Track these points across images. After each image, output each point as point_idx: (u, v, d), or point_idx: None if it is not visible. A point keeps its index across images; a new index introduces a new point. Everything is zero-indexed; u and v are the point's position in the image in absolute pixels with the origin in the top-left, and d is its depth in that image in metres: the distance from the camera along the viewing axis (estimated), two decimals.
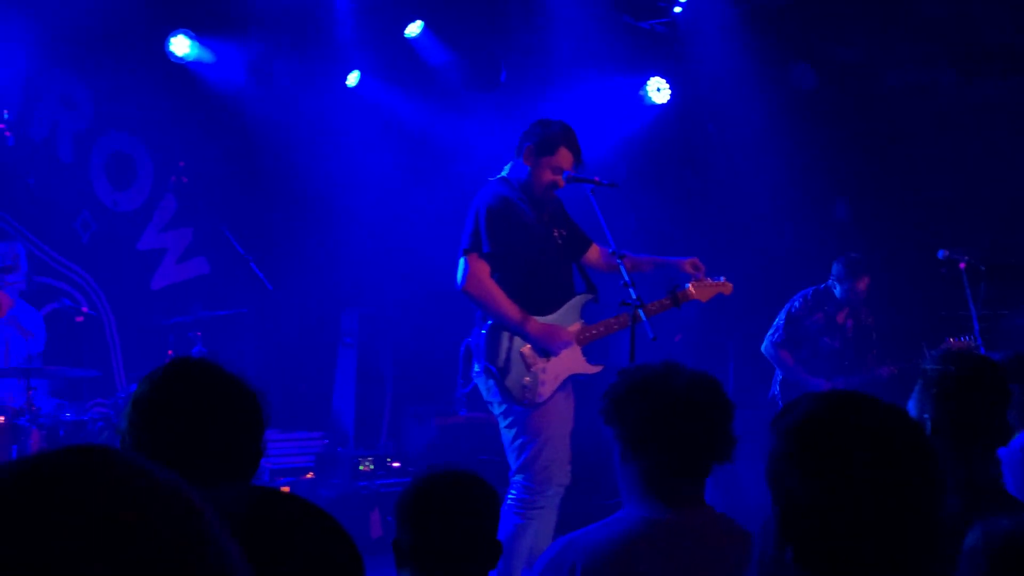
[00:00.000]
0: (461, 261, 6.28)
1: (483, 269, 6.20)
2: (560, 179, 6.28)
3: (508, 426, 6.34)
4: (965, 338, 8.27)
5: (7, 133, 7.82)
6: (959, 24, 9.64)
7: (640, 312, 5.87)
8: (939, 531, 1.98)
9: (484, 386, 6.41)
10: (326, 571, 1.46)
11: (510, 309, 6.20)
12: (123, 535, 0.91)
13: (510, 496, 6.22)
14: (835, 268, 8.79)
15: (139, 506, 0.93)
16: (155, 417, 2.59)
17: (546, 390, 6.22)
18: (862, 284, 8.68)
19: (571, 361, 6.33)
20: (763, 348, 8.80)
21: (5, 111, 7.81)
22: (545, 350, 6.27)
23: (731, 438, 3.30)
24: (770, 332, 8.80)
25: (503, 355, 6.26)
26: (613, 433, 3.37)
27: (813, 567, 1.94)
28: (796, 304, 8.79)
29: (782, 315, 8.82)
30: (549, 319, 6.33)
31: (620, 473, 3.39)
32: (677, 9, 9.52)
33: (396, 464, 9.44)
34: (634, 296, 5.89)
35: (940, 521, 1.97)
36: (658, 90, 10.35)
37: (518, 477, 6.21)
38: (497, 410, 6.40)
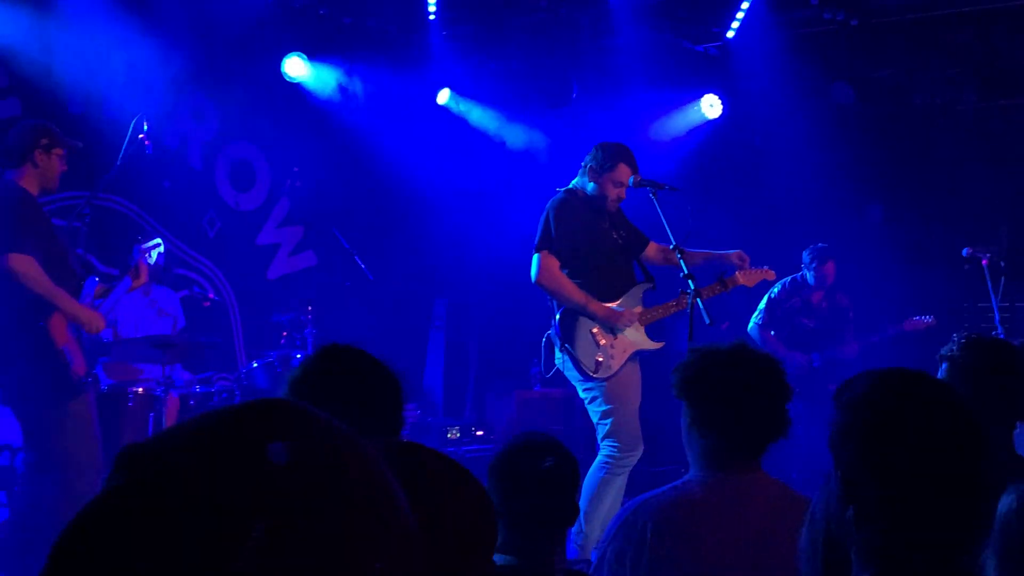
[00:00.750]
0: (535, 257, 6.45)
1: (553, 263, 6.38)
2: (621, 191, 6.50)
3: (591, 400, 6.47)
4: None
5: (146, 142, 7.68)
6: (981, 49, 9.60)
7: (698, 300, 6.00)
8: (986, 496, 1.93)
9: (565, 369, 6.57)
10: (469, 511, 1.44)
11: (577, 295, 6.37)
12: (336, 457, 0.91)
13: (600, 457, 6.36)
14: (804, 256, 8.89)
15: (342, 434, 0.94)
16: (311, 396, 2.60)
17: (615, 363, 6.39)
18: (828, 268, 8.77)
19: (635, 338, 6.51)
20: (748, 329, 8.89)
21: (145, 123, 7.71)
22: (611, 328, 6.43)
23: (788, 419, 3.24)
24: (754, 315, 8.93)
25: (576, 335, 6.42)
26: (683, 406, 3.35)
27: (871, 526, 1.88)
28: (776, 291, 8.87)
29: (764, 301, 8.93)
30: (613, 305, 6.49)
31: (687, 441, 3.35)
32: (730, 34, 9.43)
33: (480, 432, 9.60)
34: (691, 284, 6.03)
35: (987, 487, 1.91)
36: (711, 106, 10.30)
37: (606, 441, 6.32)
38: (581, 390, 6.54)
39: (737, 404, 3.16)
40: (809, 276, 8.74)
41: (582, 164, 6.66)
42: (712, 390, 3.20)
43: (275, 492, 0.85)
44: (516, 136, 10.72)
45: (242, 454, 0.86)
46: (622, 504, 6.17)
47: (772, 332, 8.80)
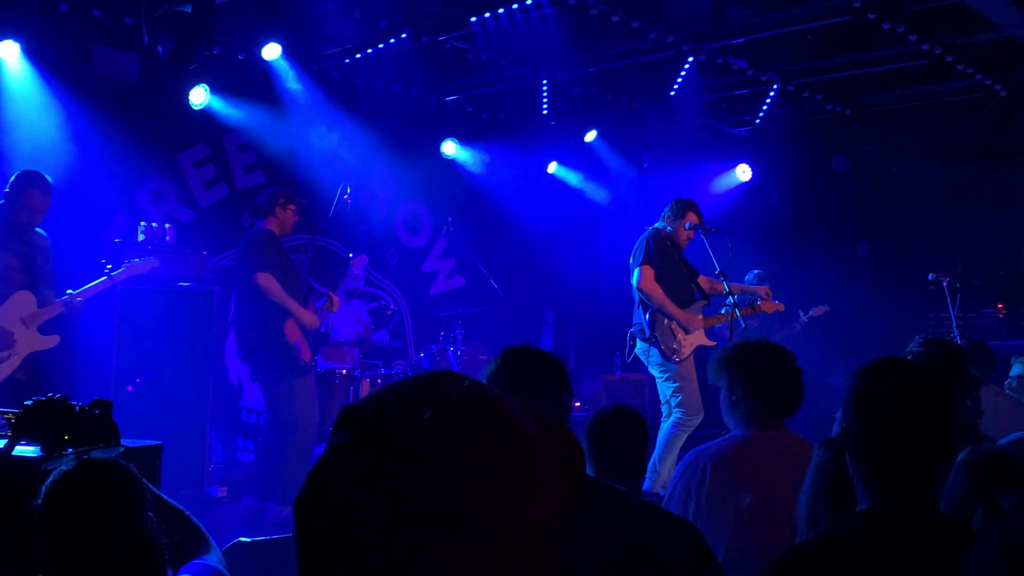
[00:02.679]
0: (636, 271, 6.44)
1: (650, 274, 6.42)
2: (690, 233, 6.57)
3: (667, 379, 6.45)
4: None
5: (349, 200, 7.93)
6: (942, 129, 9.59)
7: (737, 312, 6.31)
8: (945, 440, 1.86)
9: (647, 354, 6.54)
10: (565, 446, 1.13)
11: (665, 300, 6.41)
12: (491, 405, 0.86)
13: (672, 419, 6.33)
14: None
15: (490, 393, 0.88)
16: (503, 384, 2.35)
17: (685, 352, 6.45)
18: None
19: (698, 337, 6.55)
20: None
21: (348, 188, 7.90)
22: (684, 328, 6.47)
23: (803, 392, 3.23)
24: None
25: (661, 329, 6.44)
26: (725, 382, 3.30)
27: (863, 464, 1.85)
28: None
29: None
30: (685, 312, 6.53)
31: (728, 409, 3.29)
32: (757, 121, 9.39)
33: (577, 404, 9.27)
34: (734, 303, 6.33)
35: (944, 432, 1.85)
36: (743, 172, 10.38)
37: (677, 409, 6.34)
38: (657, 371, 6.50)
39: (769, 377, 3.21)
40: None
41: (663, 213, 6.67)
42: (752, 365, 3.22)
43: (428, 431, 0.81)
44: (603, 194, 10.71)
45: (411, 408, 0.83)
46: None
47: None
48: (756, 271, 8.71)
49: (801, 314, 8.66)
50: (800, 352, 3.47)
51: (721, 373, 3.31)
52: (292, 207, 6.33)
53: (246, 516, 6.08)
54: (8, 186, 5.33)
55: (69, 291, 5.48)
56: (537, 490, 0.84)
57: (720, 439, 3.30)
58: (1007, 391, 5.52)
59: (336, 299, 6.92)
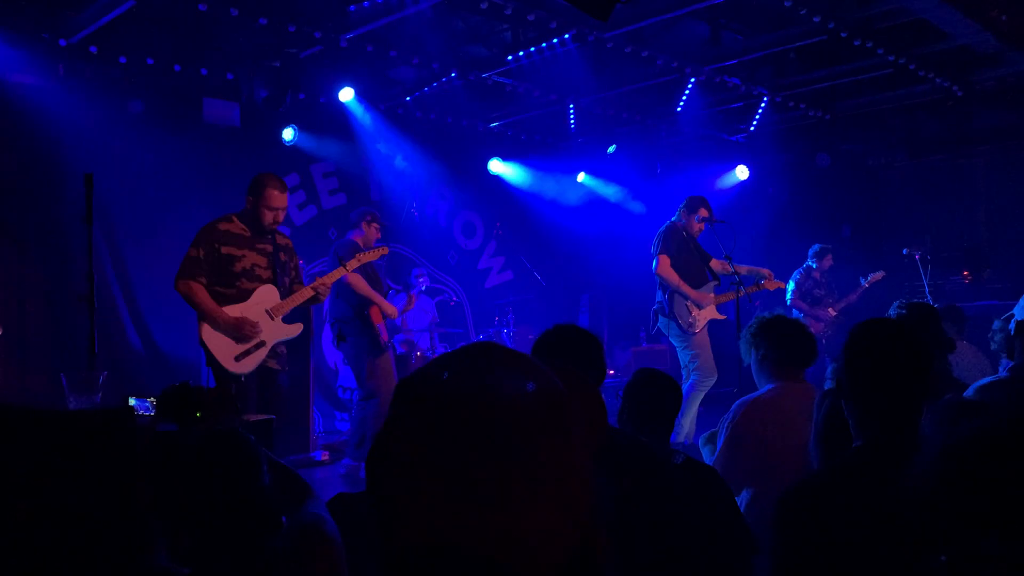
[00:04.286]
0: (655, 259, 6.36)
1: (667, 262, 6.33)
2: (701, 225, 6.47)
3: (685, 347, 6.35)
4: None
5: (416, 213, 8.21)
6: (908, 127, 9.55)
7: (743, 289, 6.17)
8: (923, 381, 1.81)
9: (667, 328, 6.43)
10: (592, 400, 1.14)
11: (680, 283, 6.32)
12: (528, 368, 0.82)
13: (691, 380, 6.25)
14: (809, 252, 8.19)
15: (524, 358, 0.84)
16: (549, 353, 2.35)
17: (699, 325, 6.34)
18: (827, 260, 8.14)
19: (710, 312, 6.43)
20: (788, 302, 8.09)
21: (415, 202, 8.16)
22: (698, 304, 6.37)
23: (816, 348, 3.25)
24: (788, 294, 8.04)
25: (677, 307, 6.36)
26: (756, 348, 3.27)
27: (854, 400, 1.82)
28: (796, 276, 8.15)
29: (792, 284, 8.08)
30: (698, 291, 6.43)
31: (758, 370, 3.27)
32: (751, 129, 9.27)
33: (611, 372, 9.62)
34: (741, 283, 6.15)
35: (922, 374, 1.80)
36: (742, 172, 10.23)
37: (695, 373, 6.27)
38: (676, 340, 6.41)
39: (792, 339, 3.22)
40: (813, 264, 8.19)
41: (678, 208, 6.54)
42: (777, 333, 3.23)
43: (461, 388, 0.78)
44: (623, 196, 10.62)
45: (458, 374, 0.80)
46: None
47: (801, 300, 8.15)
48: (816, 246, 8.37)
49: (862, 280, 8.33)
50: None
51: (750, 341, 3.30)
52: (376, 225, 6.26)
53: (346, 475, 6.08)
54: (250, 191, 4.72)
55: (317, 279, 4.99)
56: (568, 437, 0.80)
57: (756, 393, 3.26)
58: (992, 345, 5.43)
59: (414, 298, 7.02)
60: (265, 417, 4.11)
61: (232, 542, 1.66)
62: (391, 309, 6.17)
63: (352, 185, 8.63)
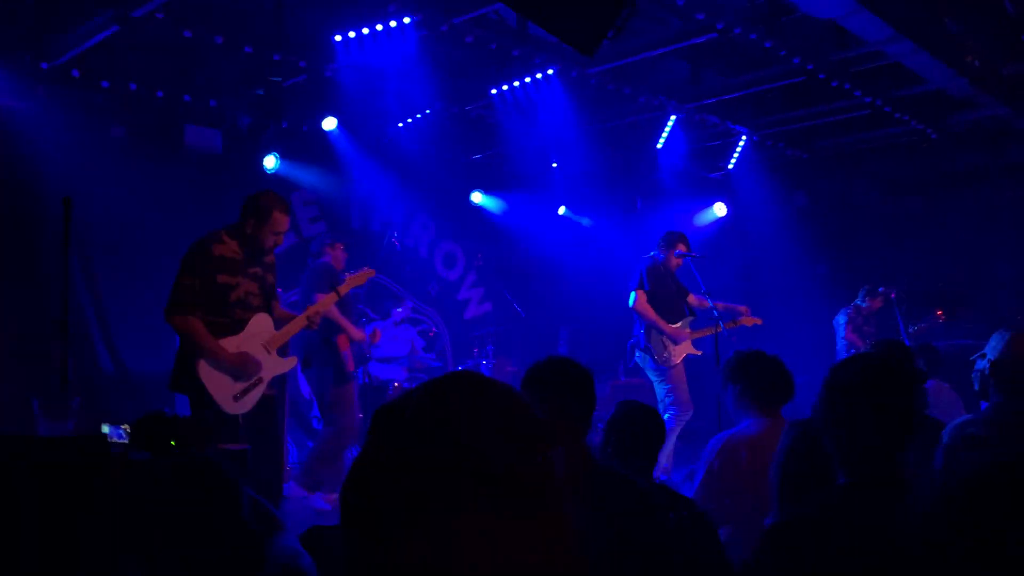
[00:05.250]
0: (632, 294, 6.36)
1: (643, 297, 6.35)
2: (679, 260, 6.49)
3: (661, 381, 6.35)
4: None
5: (396, 243, 7.97)
6: (882, 169, 9.64)
7: (721, 325, 6.19)
8: (908, 416, 1.78)
9: (643, 361, 6.44)
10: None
11: (656, 319, 6.34)
12: (507, 399, 0.81)
13: (668, 415, 6.18)
14: (860, 291, 8.27)
15: (505, 390, 0.83)
16: (541, 386, 2.34)
17: (675, 360, 6.35)
18: (878, 301, 8.18)
19: (686, 347, 6.45)
20: (841, 337, 8.07)
21: (395, 232, 7.97)
22: (674, 340, 6.39)
23: (792, 385, 3.24)
24: (840, 328, 8.07)
25: (654, 341, 6.37)
26: (733, 383, 3.27)
27: (836, 432, 1.80)
28: (848, 312, 8.20)
29: (843, 318, 8.14)
30: (674, 327, 6.43)
31: (736, 404, 3.27)
32: (730, 166, 9.31)
33: None
34: (719, 319, 6.20)
35: (907, 410, 1.78)
36: (720, 208, 10.30)
37: (671, 408, 6.26)
38: (652, 375, 6.41)
39: (767, 377, 3.23)
40: (863, 303, 8.25)
41: (657, 243, 6.55)
42: (757, 370, 3.24)
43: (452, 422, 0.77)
44: (604, 230, 10.61)
45: (434, 404, 0.79)
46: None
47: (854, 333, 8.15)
48: (867, 287, 8.34)
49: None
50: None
51: (728, 376, 3.30)
52: (340, 245, 6.22)
53: (288, 498, 5.91)
54: (251, 213, 4.33)
55: (310, 307, 4.77)
56: (547, 467, 0.80)
57: (734, 429, 3.26)
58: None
59: (379, 333, 6.93)
60: (239, 447, 4.03)
61: None
62: (359, 334, 6.10)
63: (333, 214, 8.61)
